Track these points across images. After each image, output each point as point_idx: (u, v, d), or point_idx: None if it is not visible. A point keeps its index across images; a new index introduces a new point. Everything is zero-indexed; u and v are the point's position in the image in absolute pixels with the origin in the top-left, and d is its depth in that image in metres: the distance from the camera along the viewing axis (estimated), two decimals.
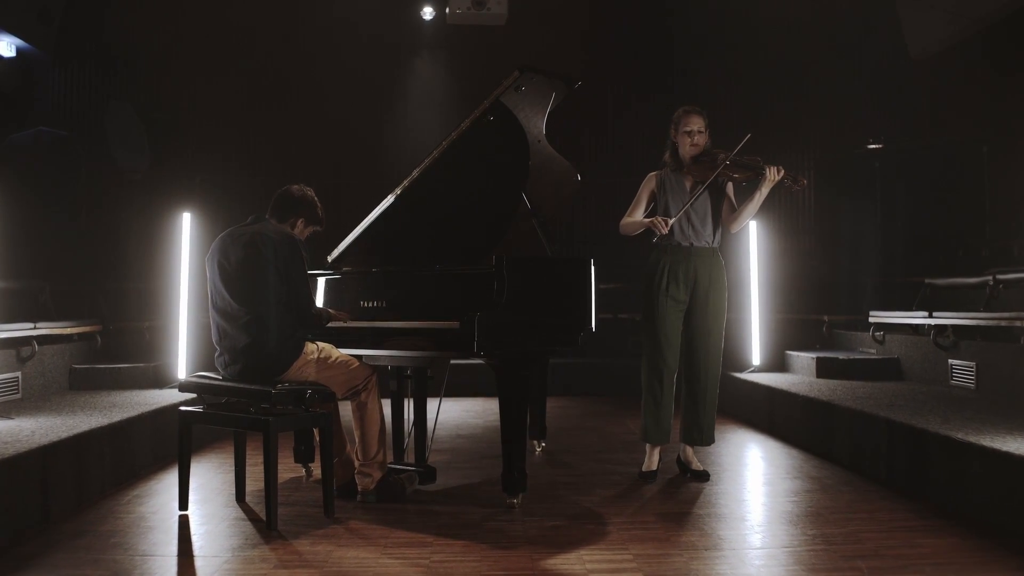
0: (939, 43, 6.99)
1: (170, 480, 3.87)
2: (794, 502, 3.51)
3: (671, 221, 3.78)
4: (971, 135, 6.60)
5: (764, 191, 3.78)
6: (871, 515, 3.31)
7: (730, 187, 3.93)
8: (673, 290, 3.84)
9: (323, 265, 4.03)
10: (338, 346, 3.51)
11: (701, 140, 3.86)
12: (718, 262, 3.92)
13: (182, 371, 5.38)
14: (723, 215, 3.93)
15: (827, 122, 7.60)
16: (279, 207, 3.48)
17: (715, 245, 3.91)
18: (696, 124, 3.86)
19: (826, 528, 3.12)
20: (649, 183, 3.96)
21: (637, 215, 3.93)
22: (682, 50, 7.78)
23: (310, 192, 3.52)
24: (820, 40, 7.45)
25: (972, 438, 3.29)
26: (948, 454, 3.38)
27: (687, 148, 3.87)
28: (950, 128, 7.00)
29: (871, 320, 5.93)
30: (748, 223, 3.95)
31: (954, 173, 6.61)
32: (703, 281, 3.86)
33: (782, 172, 3.76)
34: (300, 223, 3.49)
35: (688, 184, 3.91)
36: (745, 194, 3.87)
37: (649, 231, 3.85)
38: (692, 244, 3.86)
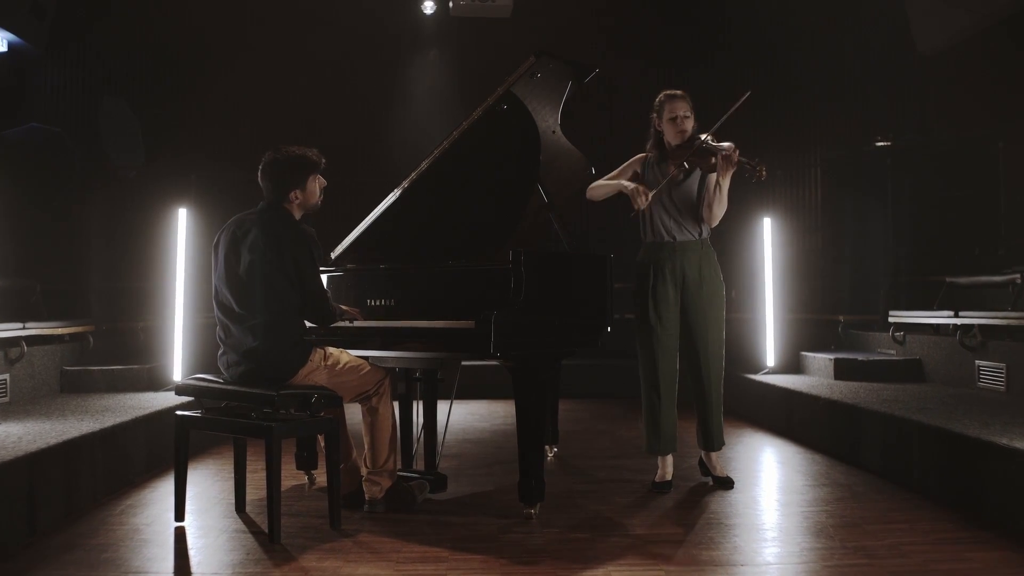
0: (948, 38, 6.81)
1: (166, 489, 3.67)
2: (826, 512, 3.31)
3: (651, 195, 3.53)
4: (985, 131, 6.43)
5: (722, 182, 3.51)
6: (911, 525, 3.12)
7: (711, 176, 3.63)
8: (662, 290, 3.63)
9: (326, 262, 3.83)
10: (344, 348, 3.31)
11: (687, 125, 3.62)
12: (708, 255, 3.68)
13: (178, 373, 5.18)
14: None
15: (835, 119, 7.41)
16: (275, 181, 3.16)
17: (703, 238, 3.67)
18: (681, 109, 3.61)
19: (865, 540, 2.93)
20: (635, 164, 3.74)
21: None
22: (691, 45, 7.62)
23: (296, 148, 3.20)
24: (826, 36, 7.28)
25: (1018, 443, 3.11)
26: (991, 460, 3.19)
27: (674, 135, 3.63)
28: (963, 124, 6.83)
29: (891, 320, 5.74)
30: (721, 215, 3.62)
31: (968, 170, 6.43)
32: (692, 276, 3.64)
33: (736, 156, 3.42)
34: (311, 179, 3.21)
35: (670, 173, 3.67)
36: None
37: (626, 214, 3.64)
38: (675, 239, 3.64)
